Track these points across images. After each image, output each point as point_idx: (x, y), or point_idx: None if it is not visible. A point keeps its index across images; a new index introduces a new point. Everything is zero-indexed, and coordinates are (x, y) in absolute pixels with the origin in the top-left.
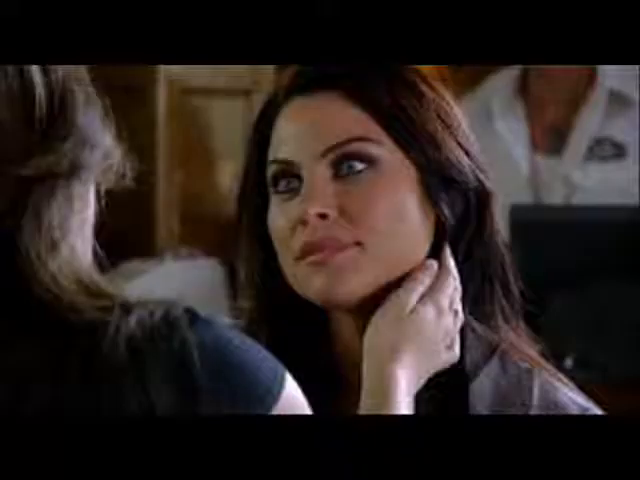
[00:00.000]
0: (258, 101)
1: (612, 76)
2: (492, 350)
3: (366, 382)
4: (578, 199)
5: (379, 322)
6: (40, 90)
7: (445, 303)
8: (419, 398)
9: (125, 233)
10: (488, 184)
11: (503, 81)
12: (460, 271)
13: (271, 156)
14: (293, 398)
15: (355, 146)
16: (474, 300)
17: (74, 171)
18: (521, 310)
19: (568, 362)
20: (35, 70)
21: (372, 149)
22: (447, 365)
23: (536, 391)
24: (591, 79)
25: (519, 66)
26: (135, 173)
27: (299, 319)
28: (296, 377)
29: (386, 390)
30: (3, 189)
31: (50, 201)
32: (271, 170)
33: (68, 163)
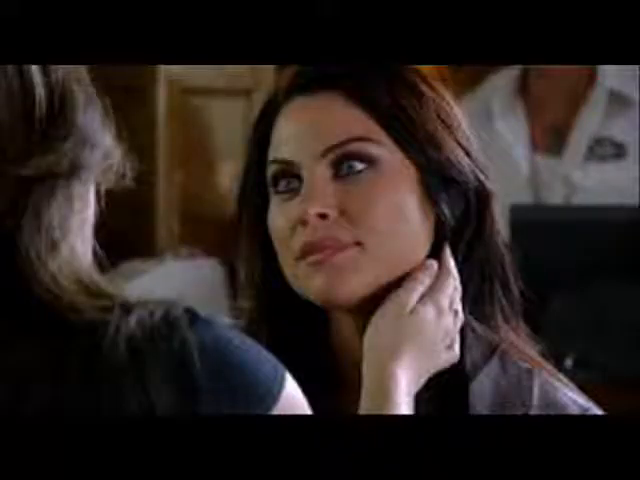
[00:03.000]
0: (258, 101)
1: (612, 76)
2: (492, 350)
3: (366, 382)
4: (578, 199)
5: (379, 322)
6: (40, 90)
7: (445, 303)
8: (419, 398)
9: (125, 233)
10: (488, 184)
11: (503, 81)
12: (460, 271)
13: (271, 156)
14: (293, 398)
15: (355, 146)
16: (474, 300)
17: (74, 171)
18: (521, 310)
19: (568, 362)
20: (35, 70)
21: (372, 149)
22: (447, 365)
23: (536, 391)
24: (591, 79)
25: (519, 66)
26: (135, 173)
27: (299, 319)
28: (296, 377)
29: (386, 390)
30: (3, 189)
31: (50, 201)
32: (271, 170)
33: (68, 163)
